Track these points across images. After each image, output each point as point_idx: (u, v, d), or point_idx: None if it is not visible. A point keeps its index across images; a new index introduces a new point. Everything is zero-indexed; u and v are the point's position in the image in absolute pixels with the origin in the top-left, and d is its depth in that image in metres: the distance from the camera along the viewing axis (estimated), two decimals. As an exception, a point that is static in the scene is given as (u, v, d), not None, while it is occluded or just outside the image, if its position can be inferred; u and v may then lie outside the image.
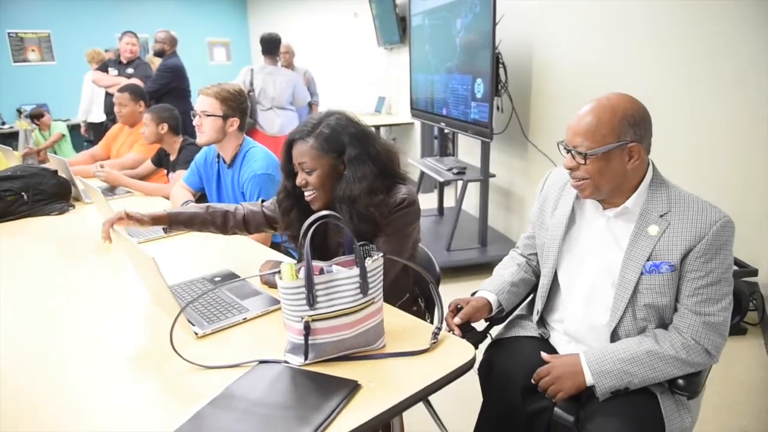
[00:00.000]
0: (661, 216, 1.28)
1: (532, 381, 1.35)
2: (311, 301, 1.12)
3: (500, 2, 3.19)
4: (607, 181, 1.28)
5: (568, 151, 1.30)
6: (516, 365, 1.41)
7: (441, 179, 3.88)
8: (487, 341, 1.58)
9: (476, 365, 1.24)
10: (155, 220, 1.69)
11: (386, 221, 1.52)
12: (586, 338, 1.41)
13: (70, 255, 2.03)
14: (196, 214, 1.75)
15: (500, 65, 3.51)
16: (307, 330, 1.13)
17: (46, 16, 7.74)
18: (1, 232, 2.32)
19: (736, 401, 2.24)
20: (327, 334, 1.15)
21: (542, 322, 1.54)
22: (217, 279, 1.68)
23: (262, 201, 1.85)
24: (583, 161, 1.26)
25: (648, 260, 1.28)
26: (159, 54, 4.80)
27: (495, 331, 1.62)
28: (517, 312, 1.63)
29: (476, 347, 1.40)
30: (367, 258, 1.18)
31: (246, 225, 1.80)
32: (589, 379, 1.28)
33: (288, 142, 1.57)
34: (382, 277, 1.22)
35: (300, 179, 1.56)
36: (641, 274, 1.28)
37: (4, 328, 1.47)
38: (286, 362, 1.18)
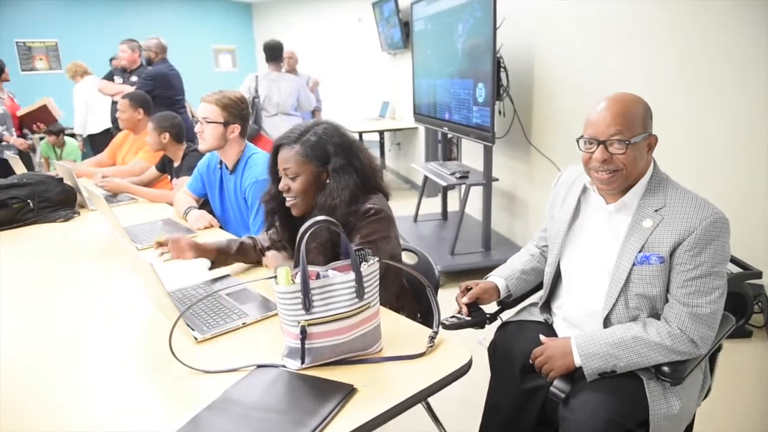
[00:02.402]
0: (656, 211, 1.35)
1: (530, 361, 1.45)
2: (307, 305, 1.13)
3: (501, 6, 3.21)
4: (635, 170, 1.35)
5: (599, 144, 1.34)
6: (518, 346, 1.52)
7: (444, 183, 3.89)
8: (499, 324, 1.68)
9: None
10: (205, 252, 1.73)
11: (354, 230, 1.53)
12: (582, 324, 1.49)
13: (75, 261, 2.05)
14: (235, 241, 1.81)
15: (501, 69, 3.52)
16: (304, 334, 1.14)
17: (54, 25, 7.82)
18: (8, 239, 2.35)
19: (740, 403, 2.22)
20: (323, 339, 1.16)
21: (547, 308, 1.63)
22: (216, 284, 1.69)
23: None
24: (624, 150, 1.32)
25: (640, 252, 1.35)
26: (148, 62, 4.80)
27: (508, 315, 1.72)
28: (531, 299, 1.73)
29: (482, 327, 1.60)
30: (363, 263, 1.19)
31: (256, 247, 1.84)
32: (578, 360, 1.37)
33: (275, 146, 1.60)
34: (378, 282, 1.23)
35: (283, 184, 1.58)
36: (633, 264, 1.35)
37: (7, 331, 1.49)
38: (283, 366, 1.19)
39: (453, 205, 4.78)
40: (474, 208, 4.48)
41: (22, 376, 1.26)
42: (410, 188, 6.55)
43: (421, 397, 1.11)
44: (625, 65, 2.92)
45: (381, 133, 6.43)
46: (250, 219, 2.27)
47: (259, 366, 1.20)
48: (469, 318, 1.58)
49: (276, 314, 1.44)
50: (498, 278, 1.67)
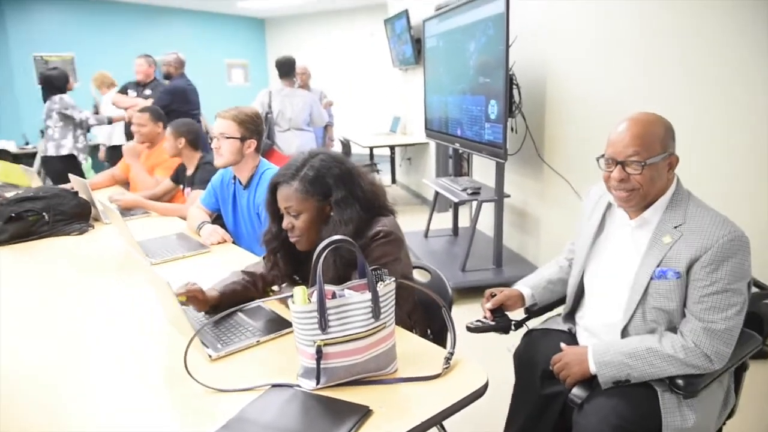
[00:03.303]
0: (676, 227, 1.38)
1: (549, 367, 1.50)
2: (323, 325, 1.13)
3: (513, 24, 3.22)
4: (653, 189, 1.39)
5: (617, 164, 1.38)
6: (541, 353, 1.58)
7: (456, 199, 3.89)
8: (525, 331, 1.74)
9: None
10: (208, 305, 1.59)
11: (364, 253, 1.50)
12: (601, 334, 1.54)
13: (89, 274, 2.06)
14: (237, 287, 1.67)
15: (514, 86, 3.53)
16: (319, 354, 1.14)
17: (71, 39, 7.96)
18: (23, 252, 2.37)
19: (758, 427, 2.18)
20: (339, 359, 1.16)
21: (571, 318, 1.68)
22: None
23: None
24: (639, 171, 1.36)
25: (658, 266, 1.38)
26: (166, 76, 4.87)
27: (535, 323, 1.77)
28: (559, 309, 1.77)
29: (506, 332, 1.65)
30: (379, 282, 1.19)
31: (264, 281, 1.73)
32: (593, 368, 1.42)
33: (272, 184, 1.56)
34: (394, 302, 1.22)
35: (286, 223, 1.54)
36: (651, 278, 1.39)
37: (21, 345, 1.50)
38: (298, 386, 1.18)
39: (463, 221, 4.77)
40: (485, 224, 4.47)
41: (35, 390, 1.27)
42: (421, 203, 6.54)
43: (439, 419, 1.11)
44: (638, 83, 2.92)
45: (392, 148, 6.44)
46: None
47: (274, 385, 1.19)
48: (493, 323, 1.63)
49: (290, 332, 1.44)
50: (524, 287, 1.72)
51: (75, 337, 1.55)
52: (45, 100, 4.77)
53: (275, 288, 1.78)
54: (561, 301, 1.75)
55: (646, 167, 1.35)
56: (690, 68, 2.64)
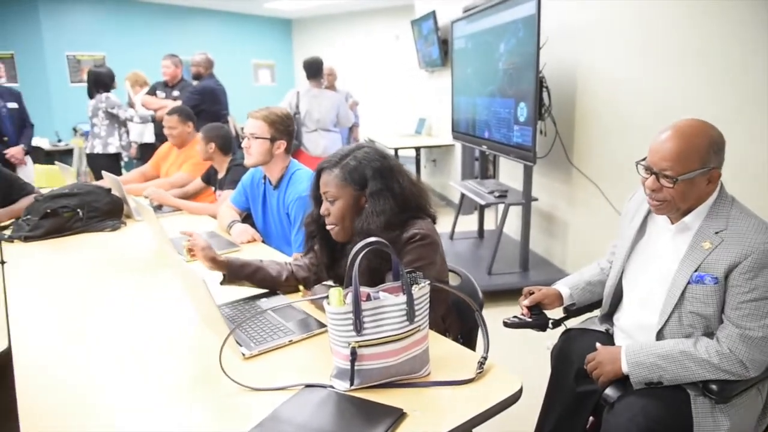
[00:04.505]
0: (717, 233, 1.37)
1: (583, 366, 1.52)
2: (358, 327, 1.13)
3: (544, 26, 3.19)
4: (686, 202, 1.39)
5: (652, 173, 1.38)
6: (576, 352, 1.60)
7: (482, 202, 3.86)
8: (563, 329, 1.76)
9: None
10: (219, 266, 1.67)
11: (399, 255, 1.50)
12: (637, 335, 1.54)
13: (121, 271, 2.10)
14: (252, 264, 1.73)
15: (544, 89, 3.49)
16: (354, 356, 1.14)
17: (102, 39, 8.11)
18: (58, 247, 2.43)
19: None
20: (373, 361, 1.16)
21: (609, 318, 1.69)
22: (263, 299, 1.70)
23: (302, 255, 1.83)
24: (671, 185, 1.35)
25: (695, 271, 1.37)
26: (196, 77, 4.92)
27: (574, 323, 1.79)
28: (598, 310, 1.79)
29: (543, 329, 1.68)
30: (414, 285, 1.19)
31: (295, 277, 1.76)
32: (625, 368, 1.42)
33: (317, 170, 1.62)
34: (428, 305, 1.22)
35: (324, 208, 1.59)
36: (688, 283, 1.38)
37: (54, 339, 1.53)
38: (331, 387, 1.18)
39: (487, 224, 4.74)
40: (511, 227, 4.43)
41: (67, 384, 1.29)
42: (445, 205, 6.52)
43: (473, 425, 1.10)
44: (675, 86, 2.86)
45: (417, 149, 6.42)
46: (291, 234, 2.29)
47: (308, 385, 1.20)
48: (530, 320, 1.66)
49: (321, 333, 1.45)
50: (563, 286, 1.74)
51: (109, 331, 1.57)
52: (91, 98, 4.87)
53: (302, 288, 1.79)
54: (600, 302, 1.75)
55: (679, 183, 1.34)
56: (730, 70, 2.58)
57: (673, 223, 1.47)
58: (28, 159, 4.63)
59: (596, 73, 3.42)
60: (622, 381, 1.45)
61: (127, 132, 5.00)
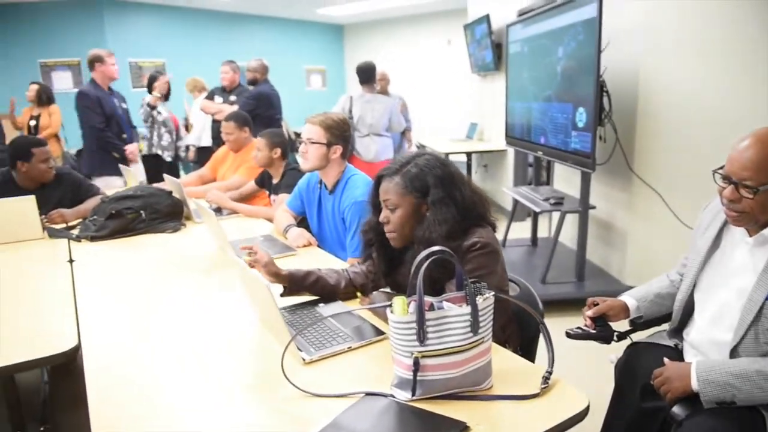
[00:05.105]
0: None
1: (650, 381, 1.45)
2: (422, 337, 1.11)
3: (605, 29, 3.09)
4: (765, 214, 1.32)
5: (731, 183, 1.33)
6: (642, 366, 1.54)
7: (537, 209, 3.78)
8: (628, 343, 1.69)
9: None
10: (281, 280, 1.69)
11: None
12: (709, 352, 1.48)
13: (183, 271, 2.15)
14: (312, 274, 1.74)
15: (604, 93, 3.39)
16: (416, 366, 1.12)
17: (162, 46, 8.42)
18: (122, 247, 2.51)
19: None
20: (436, 372, 1.13)
21: (678, 334, 1.62)
22: (320, 304, 1.71)
23: (359, 262, 1.84)
24: (751, 196, 1.29)
25: None
26: (251, 82, 5.01)
27: (641, 336, 1.72)
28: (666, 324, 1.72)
29: (607, 342, 1.61)
30: (478, 296, 1.16)
31: (353, 284, 1.78)
32: (695, 385, 1.35)
33: (377, 177, 1.61)
34: (492, 317, 1.19)
35: (383, 216, 1.57)
36: (766, 299, 1.31)
37: (119, 337, 1.58)
38: (392, 396, 1.17)
39: (540, 231, 4.63)
40: (566, 235, 4.31)
41: (131, 381, 1.32)
42: (495, 211, 6.42)
43: (539, 443, 1.06)
44: (744, 91, 2.72)
45: (468, 154, 6.35)
46: (347, 239, 2.29)
47: (368, 394, 1.19)
48: (593, 331, 1.60)
49: (379, 340, 1.44)
50: (629, 298, 1.67)
51: (171, 331, 1.61)
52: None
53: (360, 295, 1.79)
54: (669, 316, 1.68)
55: (760, 193, 1.28)
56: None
57: (750, 235, 1.39)
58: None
59: (661, 78, 3.29)
60: (691, 399, 1.38)
61: (169, 133, 5.21)
